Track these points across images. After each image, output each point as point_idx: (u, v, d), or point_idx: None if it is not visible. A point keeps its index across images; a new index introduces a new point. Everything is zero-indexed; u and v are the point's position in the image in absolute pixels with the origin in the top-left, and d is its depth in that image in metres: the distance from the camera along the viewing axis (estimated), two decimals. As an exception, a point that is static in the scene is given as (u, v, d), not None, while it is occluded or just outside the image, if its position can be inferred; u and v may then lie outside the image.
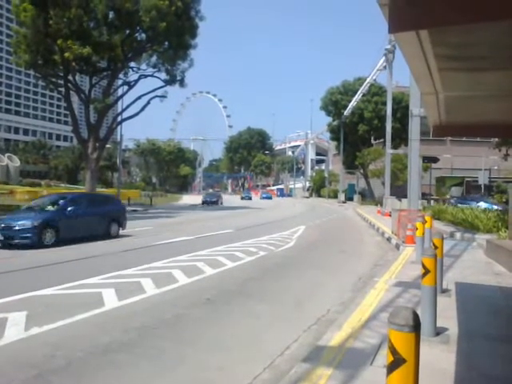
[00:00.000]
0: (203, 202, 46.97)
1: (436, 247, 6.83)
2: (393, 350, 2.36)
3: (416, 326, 2.35)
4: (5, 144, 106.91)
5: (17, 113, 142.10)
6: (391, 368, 2.36)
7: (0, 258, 11.03)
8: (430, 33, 3.70)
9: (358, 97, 47.10)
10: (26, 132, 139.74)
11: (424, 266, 5.01)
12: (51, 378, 4.24)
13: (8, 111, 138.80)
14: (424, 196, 34.58)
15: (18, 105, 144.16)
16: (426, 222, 10.86)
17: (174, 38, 33.76)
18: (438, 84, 5.20)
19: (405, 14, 3.18)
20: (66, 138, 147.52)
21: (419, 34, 3.65)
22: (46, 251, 12.38)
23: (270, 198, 78.64)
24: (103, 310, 6.52)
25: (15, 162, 70.63)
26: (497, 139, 20.63)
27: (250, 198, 68.50)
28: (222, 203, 48.76)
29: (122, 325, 5.86)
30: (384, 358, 4.32)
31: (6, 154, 71.50)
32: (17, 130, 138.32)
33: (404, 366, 2.31)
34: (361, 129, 51.59)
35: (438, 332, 5.21)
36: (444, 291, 7.35)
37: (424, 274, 5.05)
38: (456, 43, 4.06)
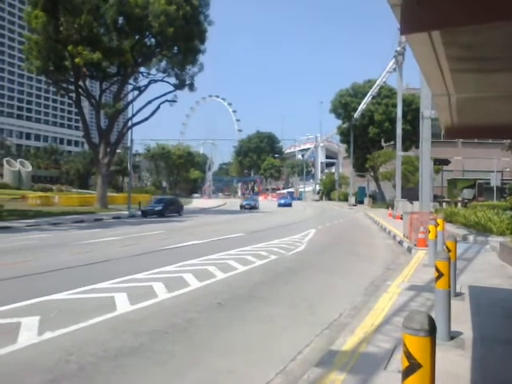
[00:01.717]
0: (143, 213, 31.88)
1: (449, 250, 6.75)
2: (408, 355, 2.33)
3: (431, 331, 2.32)
4: (17, 149, 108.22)
5: (28, 118, 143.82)
6: (407, 373, 2.33)
7: (11, 263, 11.13)
8: (442, 34, 3.67)
9: (367, 99, 46.94)
10: (37, 137, 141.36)
11: (437, 270, 4.96)
12: (64, 383, 4.25)
13: (20, 117, 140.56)
14: (436, 198, 34.29)
15: (29, 110, 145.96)
16: (438, 224, 10.77)
17: (182, 43, 34.03)
18: (450, 85, 5.16)
19: (417, 14, 3.16)
20: (77, 143, 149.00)
21: (431, 35, 3.63)
22: (58, 254, 12.49)
23: (289, 205, 56.86)
24: (115, 314, 6.53)
25: (27, 168, 71.47)
26: (509, 141, 20.44)
27: (255, 207, 48.96)
28: (181, 213, 34.48)
29: (134, 329, 5.87)
30: (398, 362, 4.29)
31: (18, 160, 72.43)
32: (28, 136, 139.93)
33: (420, 371, 2.28)
34: (371, 131, 51.39)
35: (453, 336, 5.15)
36: (457, 295, 7.27)
37: (437, 278, 5.00)
38: (468, 44, 4.02)
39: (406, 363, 2.33)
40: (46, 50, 31.37)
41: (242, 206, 48.93)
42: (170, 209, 33.40)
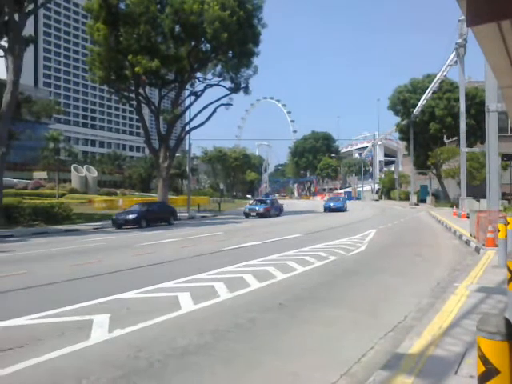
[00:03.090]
0: (114, 223, 25.29)
1: (522, 250, 6.39)
2: (484, 360, 2.23)
3: (509, 335, 2.21)
4: (83, 156, 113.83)
5: (93, 126, 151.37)
6: (483, 379, 2.24)
7: (81, 263, 11.74)
8: (512, 23, 3.49)
9: (427, 94, 45.38)
10: (101, 144, 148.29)
11: (510, 271, 4.71)
12: (135, 379, 4.42)
13: (85, 125, 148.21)
14: (504, 196, 32.51)
15: (93, 119, 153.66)
16: (508, 223, 10.21)
17: (237, 47, 34.42)
18: (521, 76, 4.90)
19: (484, 5, 3.03)
20: (138, 149, 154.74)
21: (501, 26, 3.46)
22: (122, 255, 13.04)
23: (341, 209, 40.92)
24: (180, 313, 6.72)
25: (93, 173, 74.95)
26: None
27: (266, 215, 33.15)
28: (171, 222, 27.69)
29: (199, 328, 6.01)
30: (469, 367, 4.12)
31: (85, 166, 76.07)
32: (93, 143, 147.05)
33: (498, 378, 2.19)
34: (432, 127, 49.55)
35: (529, 341, 4.86)
36: (532, 297, 6.85)
37: (510, 279, 4.74)
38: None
39: (482, 368, 2.24)
40: (107, 61, 32.81)
41: (246, 214, 33.85)
42: (149, 217, 26.03)
